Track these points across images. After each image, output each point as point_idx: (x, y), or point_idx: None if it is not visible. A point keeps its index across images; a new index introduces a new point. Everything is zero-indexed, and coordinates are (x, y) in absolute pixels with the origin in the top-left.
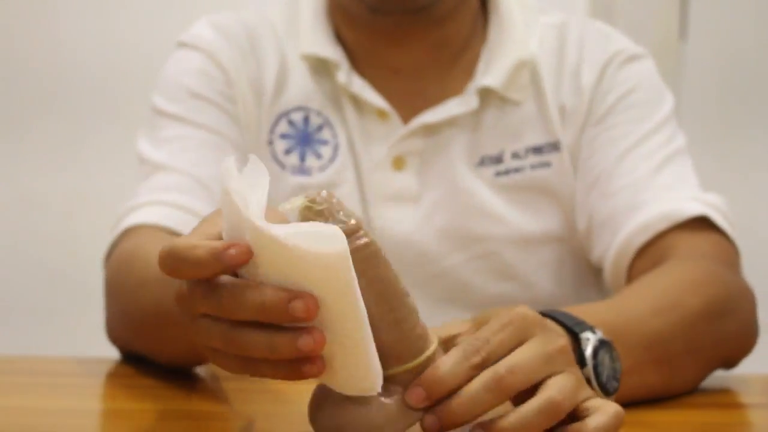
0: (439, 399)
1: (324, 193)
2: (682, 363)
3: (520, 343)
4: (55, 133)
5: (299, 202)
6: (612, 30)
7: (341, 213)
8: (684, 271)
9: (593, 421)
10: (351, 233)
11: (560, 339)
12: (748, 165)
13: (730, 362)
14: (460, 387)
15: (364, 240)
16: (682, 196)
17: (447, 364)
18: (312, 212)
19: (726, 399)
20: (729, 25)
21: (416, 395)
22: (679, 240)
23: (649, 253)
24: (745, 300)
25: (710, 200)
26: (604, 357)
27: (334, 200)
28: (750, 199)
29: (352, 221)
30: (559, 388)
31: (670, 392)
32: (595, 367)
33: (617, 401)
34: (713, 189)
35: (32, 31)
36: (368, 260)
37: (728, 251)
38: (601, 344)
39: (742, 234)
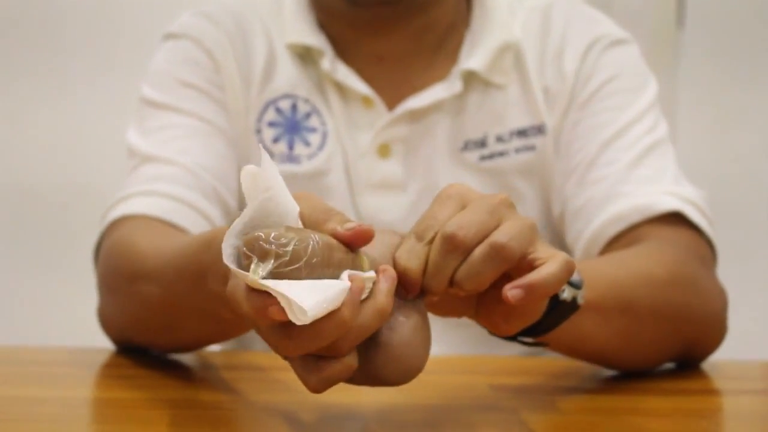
0: (417, 284)
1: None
2: (646, 321)
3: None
4: (57, 130)
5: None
6: (597, 13)
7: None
8: (652, 249)
9: (544, 269)
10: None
11: (499, 195)
12: (745, 153)
13: (695, 351)
14: (424, 265)
15: (296, 266)
16: (659, 190)
17: (404, 252)
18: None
19: (713, 385)
20: (726, 13)
21: (405, 292)
22: (652, 231)
23: (621, 244)
24: (714, 293)
25: (688, 195)
26: None
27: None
28: (747, 188)
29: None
30: (503, 231)
31: (633, 346)
32: None
33: (583, 335)
34: (710, 178)
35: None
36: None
37: (701, 247)
38: None
39: (738, 220)
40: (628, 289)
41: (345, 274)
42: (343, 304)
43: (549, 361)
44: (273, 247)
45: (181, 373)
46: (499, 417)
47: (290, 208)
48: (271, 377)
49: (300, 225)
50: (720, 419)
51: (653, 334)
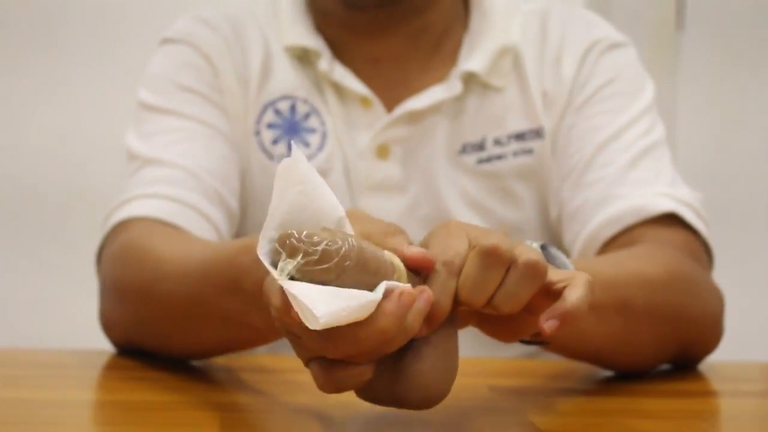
0: (444, 317)
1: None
2: (642, 321)
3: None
4: (57, 131)
5: (291, 266)
6: (595, 17)
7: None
8: (648, 250)
9: (573, 294)
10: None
11: (498, 230)
12: (745, 154)
13: (691, 352)
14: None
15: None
16: (654, 192)
17: (438, 287)
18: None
19: (712, 387)
20: (726, 14)
21: (428, 324)
22: (647, 233)
23: (616, 245)
24: (711, 294)
25: (683, 197)
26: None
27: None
28: (747, 188)
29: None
30: (528, 252)
31: (629, 347)
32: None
33: (581, 335)
34: (710, 178)
35: None
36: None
37: (697, 249)
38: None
39: (738, 220)
40: (624, 289)
41: (383, 285)
42: (382, 314)
43: (548, 363)
44: (303, 245)
45: (186, 374)
46: (498, 418)
47: (329, 206)
48: (277, 379)
49: (345, 228)
50: (718, 421)
51: (649, 335)
